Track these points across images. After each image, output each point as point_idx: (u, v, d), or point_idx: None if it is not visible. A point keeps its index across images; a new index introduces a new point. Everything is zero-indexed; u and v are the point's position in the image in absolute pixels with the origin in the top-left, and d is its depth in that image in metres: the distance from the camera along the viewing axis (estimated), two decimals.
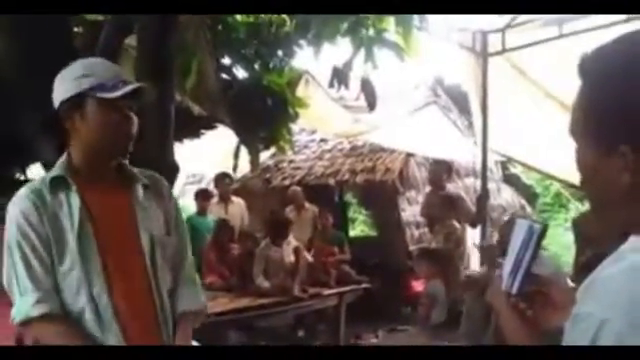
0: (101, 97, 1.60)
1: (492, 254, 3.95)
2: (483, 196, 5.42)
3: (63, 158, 1.68)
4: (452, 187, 6.15)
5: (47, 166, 3.08)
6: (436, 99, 7.69)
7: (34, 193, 1.60)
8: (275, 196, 8.02)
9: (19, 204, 1.59)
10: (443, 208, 5.09)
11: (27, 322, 1.55)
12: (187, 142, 5.83)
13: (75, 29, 3.79)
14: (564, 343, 0.79)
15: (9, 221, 1.59)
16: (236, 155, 4.52)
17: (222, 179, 6.57)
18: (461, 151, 7.14)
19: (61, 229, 1.59)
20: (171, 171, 2.99)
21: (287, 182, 8.11)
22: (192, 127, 5.39)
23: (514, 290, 1.14)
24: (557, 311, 1.11)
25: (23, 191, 1.62)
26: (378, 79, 4.68)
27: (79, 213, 1.59)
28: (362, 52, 4.33)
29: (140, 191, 1.73)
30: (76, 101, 1.62)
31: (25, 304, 1.54)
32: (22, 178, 5.35)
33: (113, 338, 1.58)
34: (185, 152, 4.89)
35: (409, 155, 7.59)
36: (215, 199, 6.65)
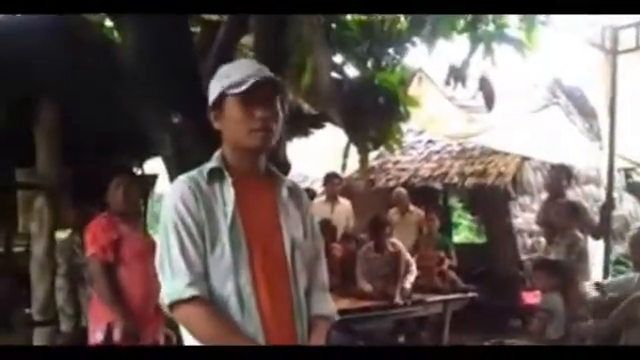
0: (232, 94, 1.67)
1: None
2: (608, 205, 5.01)
3: (218, 154, 1.75)
4: (572, 194, 5.72)
5: (167, 161, 3.17)
6: (557, 100, 7.19)
7: (192, 181, 1.69)
8: (379, 198, 7.90)
9: (178, 190, 1.67)
10: (565, 217, 4.71)
11: (177, 304, 1.59)
12: (295, 141, 5.86)
13: (192, 29, 3.88)
14: None
15: (167, 205, 1.67)
16: (345, 154, 4.45)
17: (332, 179, 6.56)
18: (581, 156, 6.65)
19: (214, 217, 1.64)
20: (283, 169, 2.98)
21: (392, 183, 7.96)
22: (302, 126, 5.41)
23: None
24: None
25: (182, 179, 1.71)
26: (496, 77, 4.44)
27: (233, 204, 1.66)
28: (480, 49, 4.13)
29: (285, 192, 1.79)
30: (217, 102, 1.71)
31: (177, 285, 1.58)
32: (139, 172, 5.62)
33: (253, 327, 1.62)
34: (292, 151, 4.90)
35: (524, 159, 7.17)
36: (322, 198, 6.65)
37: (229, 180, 1.68)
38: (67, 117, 3.77)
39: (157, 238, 1.71)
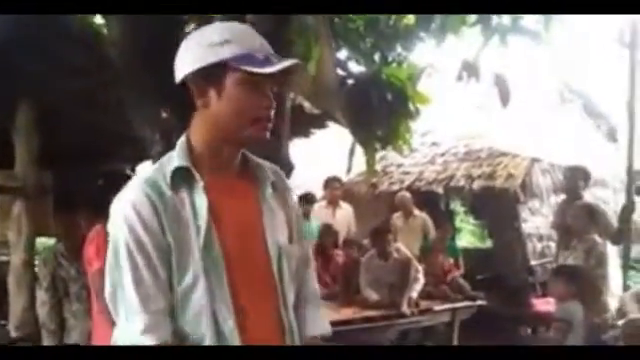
0: (249, 71, 1.27)
1: None
2: (629, 208, 4.74)
3: (182, 145, 1.35)
4: (588, 197, 5.44)
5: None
6: (573, 97, 6.92)
7: (151, 187, 1.29)
8: (382, 202, 7.63)
9: (131, 200, 1.28)
10: (583, 220, 4.45)
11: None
12: (296, 142, 5.60)
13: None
14: None
15: (117, 220, 1.28)
16: (351, 156, 4.18)
17: (332, 183, 6.30)
18: (595, 157, 6.39)
19: (183, 235, 1.28)
20: (286, 170, 2.73)
21: (395, 187, 7.68)
22: (302, 126, 5.15)
23: None
24: None
25: (136, 184, 1.31)
26: (509, 73, 4.18)
27: (207, 217, 1.28)
28: (493, 42, 3.89)
29: (269, 190, 1.42)
30: (212, 72, 1.29)
31: (131, 331, 1.24)
32: (131, 174, 5.35)
33: None
34: (292, 153, 4.66)
35: (534, 160, 6.88)
36: (322, 203, 6.41)
37: (200, 184, 1.30)
38: (48, 117, 3.49)
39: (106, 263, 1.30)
